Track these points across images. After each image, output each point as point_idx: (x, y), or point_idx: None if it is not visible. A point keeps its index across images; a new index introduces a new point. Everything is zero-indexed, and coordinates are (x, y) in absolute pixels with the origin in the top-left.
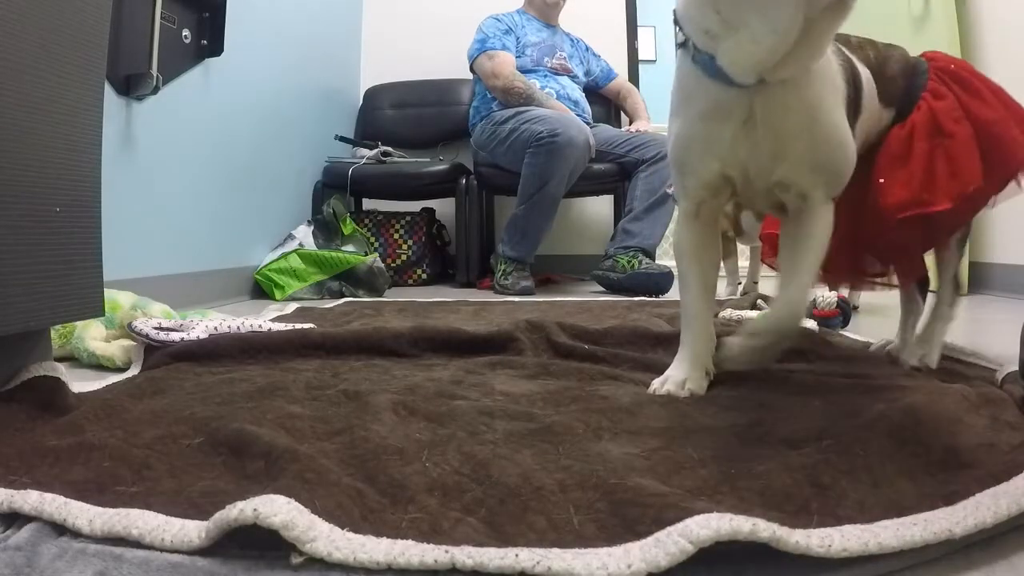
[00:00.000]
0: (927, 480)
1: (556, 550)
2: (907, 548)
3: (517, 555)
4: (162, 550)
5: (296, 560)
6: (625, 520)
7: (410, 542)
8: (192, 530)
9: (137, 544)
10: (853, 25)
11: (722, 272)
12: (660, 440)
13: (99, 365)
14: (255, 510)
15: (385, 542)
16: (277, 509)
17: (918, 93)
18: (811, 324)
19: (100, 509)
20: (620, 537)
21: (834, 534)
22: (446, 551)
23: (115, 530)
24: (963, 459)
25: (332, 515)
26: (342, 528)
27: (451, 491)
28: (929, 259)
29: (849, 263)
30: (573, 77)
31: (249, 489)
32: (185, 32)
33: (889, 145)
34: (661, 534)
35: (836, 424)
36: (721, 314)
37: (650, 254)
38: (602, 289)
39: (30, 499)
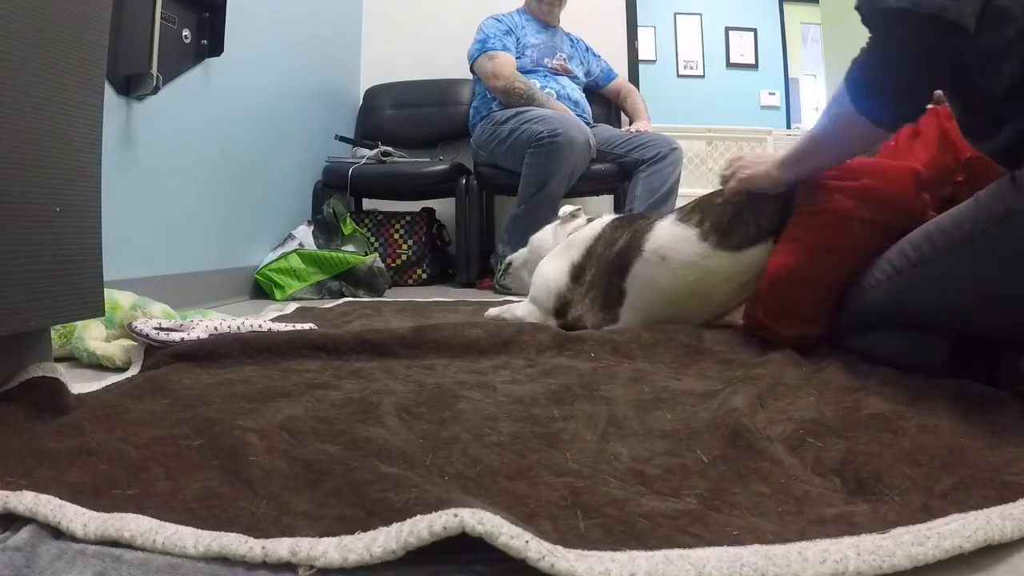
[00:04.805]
0: (934, 487)
1: (561, 549)
2: (919, 566)
3: (527, 541)
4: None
5: (304, 573)
6: (634, 530)
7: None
8: (188, 537)
9: (136, 545)
10: (855, 27)
11: None
12: (668, 442)
13: (99, 365)
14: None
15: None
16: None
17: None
18: None
19: (95, 513)
20: (626, 544)
21: (850, 554)
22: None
23: (108, 533)
24: (967, 460)
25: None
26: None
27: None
28: None
29: None
30: (573, 78)
31: (243, 492)
32: (185, 32)
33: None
34: (672, 554)
35: (837, 422)
36: None
37: None
38: None
39: (25, 500)
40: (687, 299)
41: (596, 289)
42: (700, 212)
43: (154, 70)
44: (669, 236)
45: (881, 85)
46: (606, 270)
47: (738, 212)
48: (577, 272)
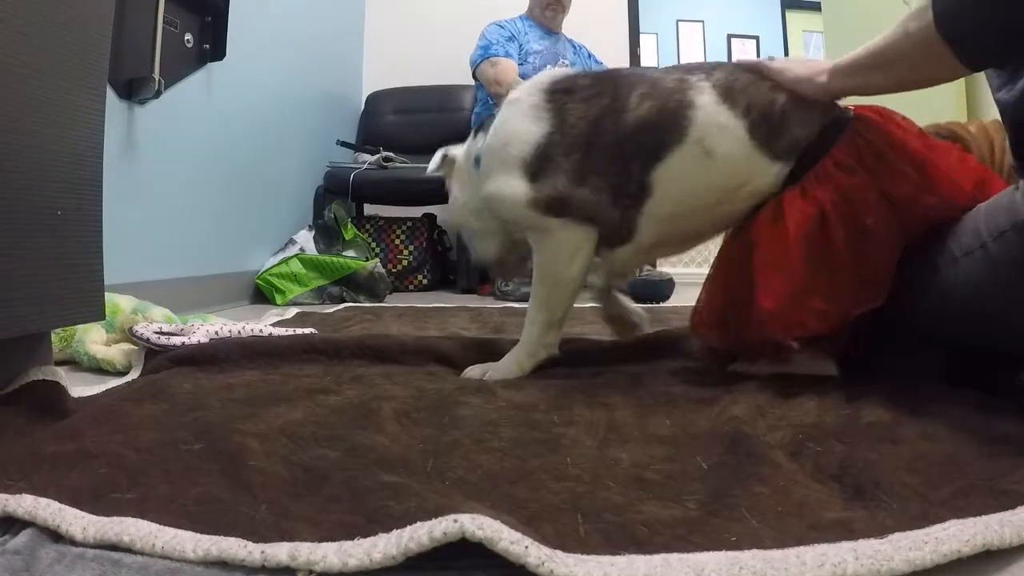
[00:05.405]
0: (932, 495)
1: (560, 553)
2: (918, 571)
3: (527, 546)
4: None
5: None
6: (634, 537)
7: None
8: (187, 541)
9: (135, 549)
10: (855, 25)
11: None
12: (668, 447)
13: (99, 369)
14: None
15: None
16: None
17: (824, 151)
18: None
19: (94, 517)
20: (625, 548)
21: (848, 558)
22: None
23: (107, 537)
24: (966, 469)
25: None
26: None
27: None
28: None
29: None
30: None
31: (243, 497)
32: (187, 36)
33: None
34: (672, 557)
35: (836, 428)
36: None
37: (651, 261)
38: None
39: (24, 504)
40: (710, 211)
41: (596, 175)
42: (748, 96)
43: (156, 74)
44: (715, 124)
45: (976, 8)
46: (617, 148)
47: (789, 112)
48: (549, 153)
